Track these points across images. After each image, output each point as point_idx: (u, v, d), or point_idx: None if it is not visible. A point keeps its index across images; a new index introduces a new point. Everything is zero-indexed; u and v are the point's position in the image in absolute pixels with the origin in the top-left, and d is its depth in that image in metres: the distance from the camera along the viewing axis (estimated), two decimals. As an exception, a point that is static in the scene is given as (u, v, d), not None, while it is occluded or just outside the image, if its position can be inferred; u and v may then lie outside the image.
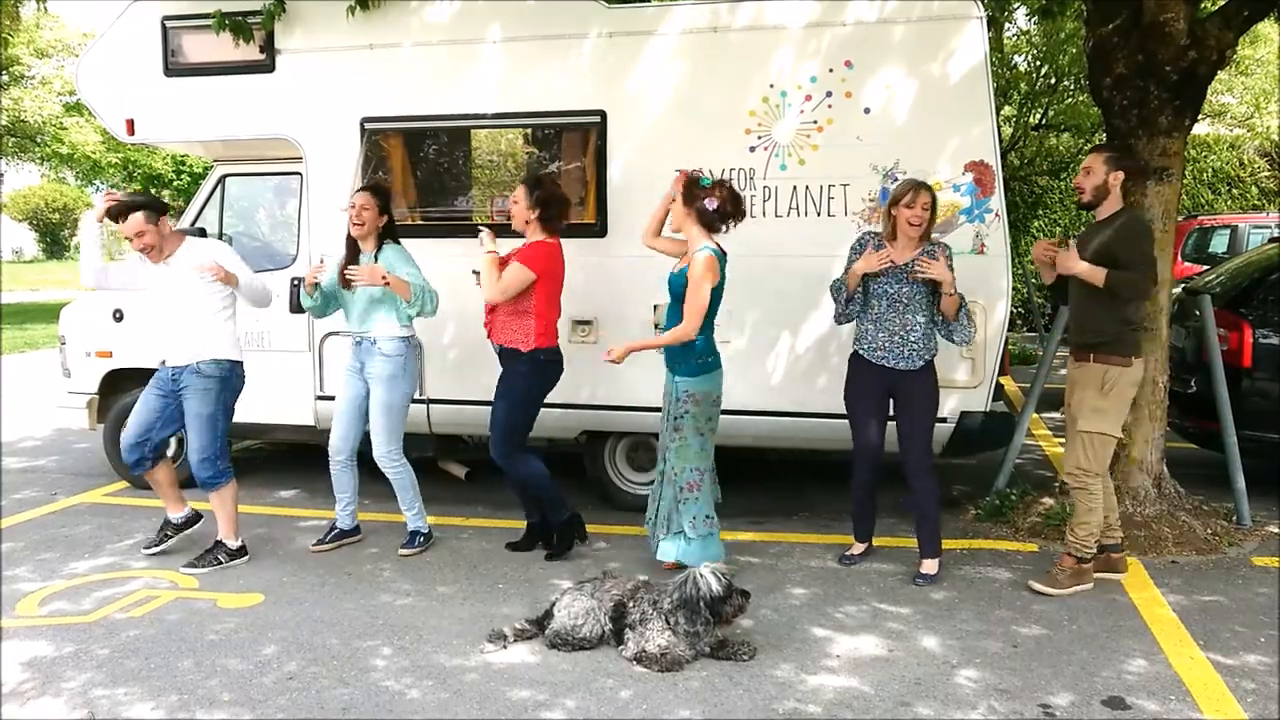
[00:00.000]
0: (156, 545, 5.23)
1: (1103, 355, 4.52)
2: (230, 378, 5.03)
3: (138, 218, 4.84)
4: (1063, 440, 5.10)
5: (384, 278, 4.90)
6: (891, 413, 4.81)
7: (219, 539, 5.11)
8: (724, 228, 4.66)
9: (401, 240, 5.22)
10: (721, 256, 4.59)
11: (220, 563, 5.05)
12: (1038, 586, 4.59)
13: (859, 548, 5.06)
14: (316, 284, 5.10)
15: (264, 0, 5.74)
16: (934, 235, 4.78)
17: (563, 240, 5.16)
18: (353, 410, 5.21)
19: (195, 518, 5.32)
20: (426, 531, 5.31)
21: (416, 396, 5.79)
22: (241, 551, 5.14)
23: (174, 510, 5.27)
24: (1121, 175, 4.51)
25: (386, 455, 5.16)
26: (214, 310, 4.98)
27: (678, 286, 4.63)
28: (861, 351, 4.77)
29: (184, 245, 4.99)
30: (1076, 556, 4.60)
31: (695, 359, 4.64)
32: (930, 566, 4.76)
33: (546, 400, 5.10)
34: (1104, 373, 4.51)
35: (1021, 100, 14.77)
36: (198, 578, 4.89)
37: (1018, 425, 5.79)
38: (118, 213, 4.91)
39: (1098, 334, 4.55)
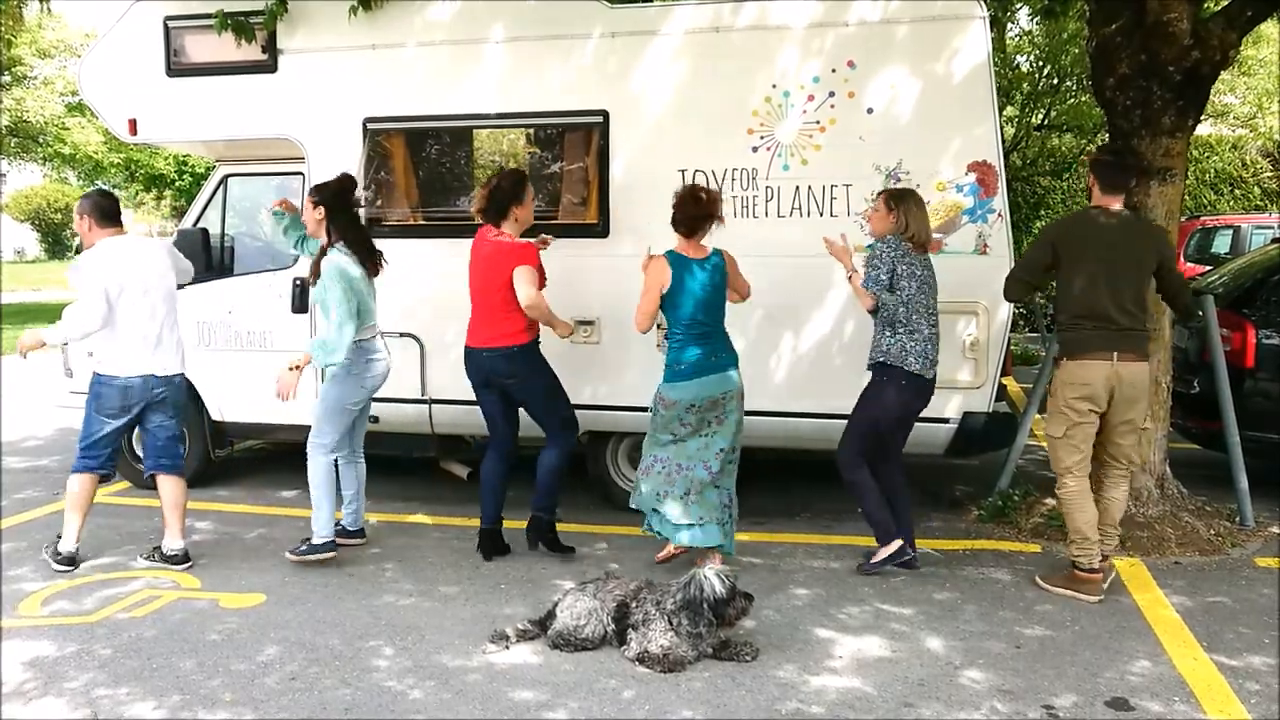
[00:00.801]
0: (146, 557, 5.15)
1: None
2: (97, 388, 4.91)
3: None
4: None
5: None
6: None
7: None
8: (693, 230, 4.63)
9: (405, 241, 5.17)
10: (674, 258, 4.61)
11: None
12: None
13: (891, 546, 4.87)
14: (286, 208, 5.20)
15: (266, 0, 5.75)
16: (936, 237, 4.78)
17: (565, 240, 5.24)
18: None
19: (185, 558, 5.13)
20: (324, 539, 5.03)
21: (418, 396, 5.80)
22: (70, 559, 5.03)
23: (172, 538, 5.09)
24: (1093, 178, 4.61)
25: (309, 444, 5.05)
26: None
27: None
28: None
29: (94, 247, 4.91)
30: (1073, 564, 4.59)
31: (667, 365, 4.72)
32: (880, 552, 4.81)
33: None
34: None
35: (1024, 100, 14.76)
36: (200, 578, 4.89)
37: (1020, 426, 5.79)
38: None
39: None
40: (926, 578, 4.79)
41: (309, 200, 5.00)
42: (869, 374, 4.78)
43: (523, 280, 4.81)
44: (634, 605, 3.98)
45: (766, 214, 5.40)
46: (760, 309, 5.34)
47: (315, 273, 4.96)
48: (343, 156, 5.86)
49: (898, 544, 4.75)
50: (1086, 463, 4.55)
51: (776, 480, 6.58)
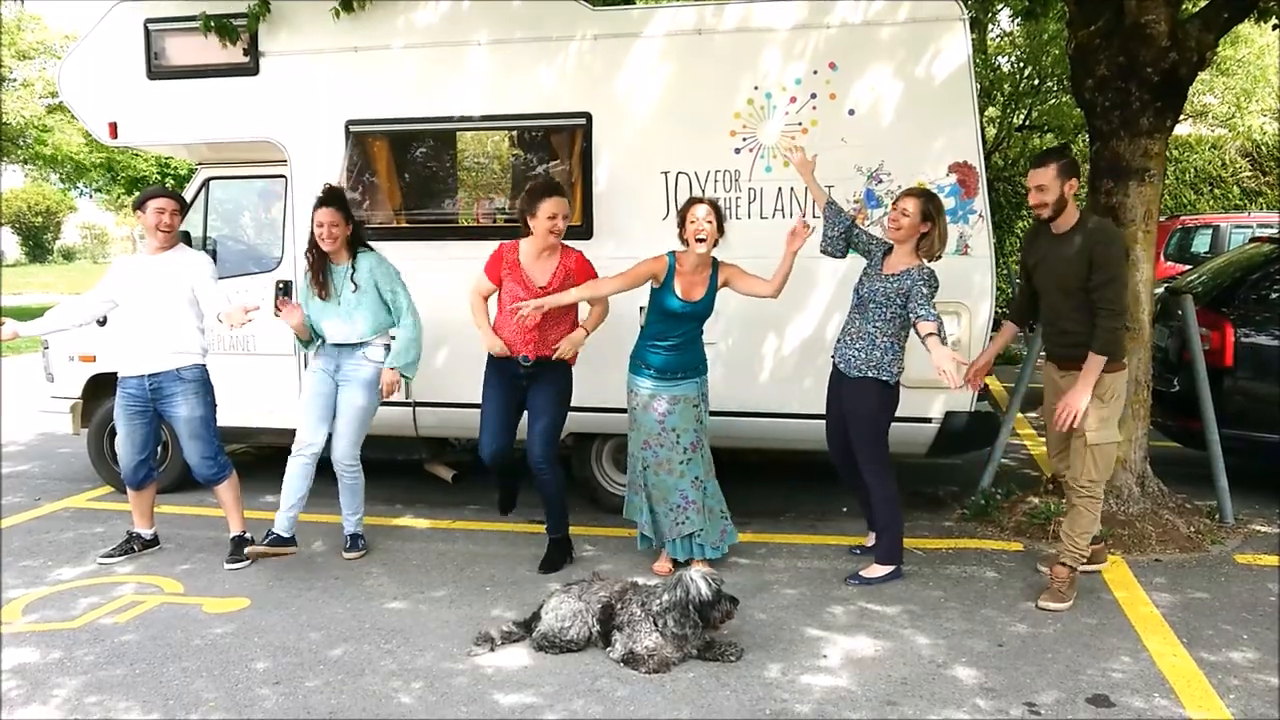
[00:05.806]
0: (118, 555, 5.22)
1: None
2: (208, 378, 5.14)
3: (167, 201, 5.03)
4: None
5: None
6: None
7: (237, 535, 5.20)
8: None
9: (389, 243, 5.18)
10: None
11: (246, 560, 5.12)
12: (1047, 605, 4.41)
13: (871, 539, 5.05)
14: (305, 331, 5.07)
15: (248, 2, 5.73)
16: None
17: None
18: (326, 408, 5.15)
19: (156, 541, 5.39)
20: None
21: (402, 400, 5.79)
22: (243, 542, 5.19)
23: (144, 526, 5.33)
24: (1075, 183, 4.34)
25: (353, 458, 5.20)
26: (196, 314, 5.04)
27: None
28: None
29: (179, 246, 5.14)
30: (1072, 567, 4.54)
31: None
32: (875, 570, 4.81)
33: None
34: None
35: (1005, 101, 14.86)
36: (184, 583, 4.87)
37: (1002, 425, 5.83)
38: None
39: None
40: (911, 577, 4.82)
41: (340, 215, 4.96)
42: (860, 385, 4.74)
43: None
44: (619, 607, 3.99)
45: (749, 215, 5.41)
46: (742, 308, 5.35)
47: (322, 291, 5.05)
48: (325, 159, 5.85)
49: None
50: None
51: (761, 481, 6.60)
